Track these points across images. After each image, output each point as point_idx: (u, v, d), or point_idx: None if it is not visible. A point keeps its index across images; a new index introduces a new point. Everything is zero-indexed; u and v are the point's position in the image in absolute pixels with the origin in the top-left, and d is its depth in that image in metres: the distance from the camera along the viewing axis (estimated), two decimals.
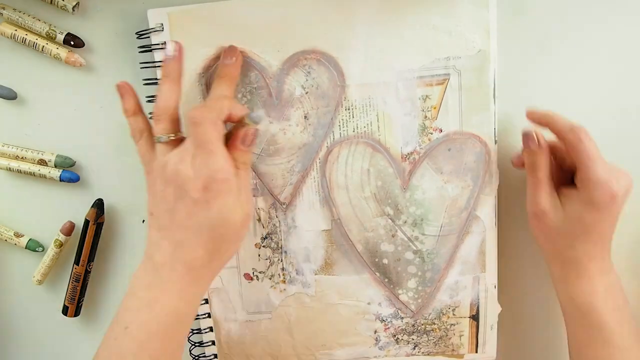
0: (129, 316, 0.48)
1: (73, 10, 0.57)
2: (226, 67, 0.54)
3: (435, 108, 0.57)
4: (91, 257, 0.63)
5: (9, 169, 0.62)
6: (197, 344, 0.65)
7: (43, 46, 0.58)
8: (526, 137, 0.53)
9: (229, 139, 0.50)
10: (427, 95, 0.57)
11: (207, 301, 0.63)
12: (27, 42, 0.58)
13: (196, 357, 0.65)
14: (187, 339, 0.64)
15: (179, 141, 0.50)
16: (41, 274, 0.64)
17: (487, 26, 0.55)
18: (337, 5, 0.55)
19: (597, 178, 0.49)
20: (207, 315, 0.64)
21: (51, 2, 0.57)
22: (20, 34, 0.58)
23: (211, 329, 0.64)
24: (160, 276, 0.48)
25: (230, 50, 0.55)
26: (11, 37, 0.58)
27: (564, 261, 0.54)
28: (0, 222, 0.64)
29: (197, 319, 0.63)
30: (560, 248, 0.54)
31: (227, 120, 0.50)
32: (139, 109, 0.53)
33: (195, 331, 0.64)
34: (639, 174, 0.53)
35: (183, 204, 0.47)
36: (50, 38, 0.58)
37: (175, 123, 0.51)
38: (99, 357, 0.49)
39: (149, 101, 0.58)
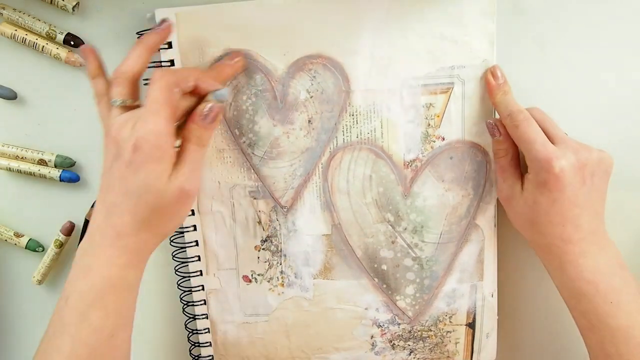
0: (69, 287, 0.45)
1: (73, 10, 0.55)
2: (224, 65, 0.52)
3: (438, 116, 0.54)
4: None
5: (9, 169, 0.59)
6: (196, 344, 0.61)
7: (43, 46, 0.55)
8: (488, 125, 0.53)
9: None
10: (430, 104, 0.54)
11: (204, 302, 0.60)
12: (27, 42, 0.55)
13: (196, 357, 0.61)
14: (187, 339, 0.61)
15: (134, 107, 0.47)
16: (41, 274, 0.61)
17: (492, 36, 0.53)
18: (344, 11, 0.53)
19: (536, 158, 0.48)
20: (204, 316, 0.60)
21: (51, 2, 0.55)
22: (20, 34, 0.55)
23: (208, 330, 0.59)
24: (94, 240, 0.45)
25: (235, 54, 0.52)
26: (11, 37, 0.55)
27: (543, 249, 0.51)
28: (0, 222, 0.61)
29: (195, 319, 0.60)
30: (533, 235, 0.51)
31: (193, 92, 0.46)
32: (102, 72, 0.49)
33: (194, 331, 0.60)
34: (639, 173, 0.52)
35: (117, 165, 0.44)
36: (50, 38, 0.55)
37: (134, 89, 0.47)
38: (46, 334, 0.46)
39: None
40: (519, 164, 0.53)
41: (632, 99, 0.55)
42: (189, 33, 0.53)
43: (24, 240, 0.60)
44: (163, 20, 0.50)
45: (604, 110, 0.55)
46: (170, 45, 0.53)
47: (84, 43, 0.55)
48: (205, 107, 0.46)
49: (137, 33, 0.54)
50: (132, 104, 0.47)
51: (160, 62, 0.54)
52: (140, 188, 0.43)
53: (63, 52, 0.55)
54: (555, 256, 0.50)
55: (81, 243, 0.46)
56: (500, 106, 0.51)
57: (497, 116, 0.54)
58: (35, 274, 0.61)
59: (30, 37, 0.54)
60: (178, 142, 0.46)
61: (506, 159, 0.52)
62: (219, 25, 0.53)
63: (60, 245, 0.59)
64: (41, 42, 0.54)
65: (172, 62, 0.54)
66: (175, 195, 0.44)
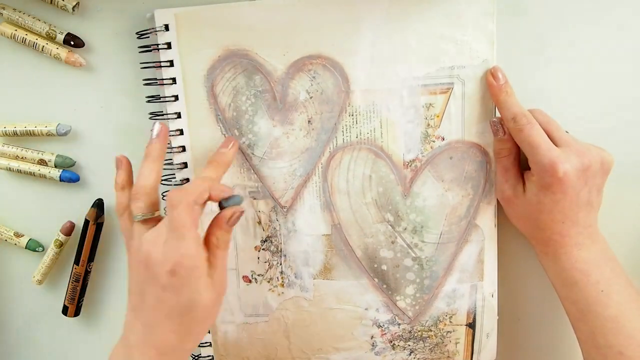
0: None
1: (73, 10, 0.53)
2: (220, 154, 0.51)
3: (438, 116, 0.53)
4: (91, 257, 0.59)
5: (9, 169, 0.58)
6: (199, 357, 0.60)
7: (43, 46, 0.54)
8: (492, 124, 0.52)
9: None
10: (430, 104, 0.53)
11: None
12: (27, 42, 0.54)
13: (196, 357, 0.60)
14: None
15: (156, 220, 0.47)
16: (41, 274, 0.60)
17: (492, 37, 0.52)
18: (344, 11, 0.52)
19: (541, 162, 0.47)
20: None
21: (51, 2, 0.54)
22: (20, 34, 0.54)
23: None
24: (132, 358, 0.45)
25: (228, 139, 0.52)
26: (11, 37, 0.54)
27: (539, 241, 0.51)
28: (0, 222, 0.60)
29: None
30: (532, 230, 0.52)
31: (209, 200, 0.47)
32: (128, 185, 0.50)
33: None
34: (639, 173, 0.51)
35: (152, 288, 0.44)
36: (50, 38, 0.54)
37: (153, 202, 0.47)
38: None
39: (148, 101, 0.54)
40: (520, 164, 0.52)
41: (632, 99, 0.54)
42: (188, 33, 0.52)
43: (24, 240, 0.59)
44: (154, 123, 0.49)
45: (604, 110, 0.54)
46: (169, 45, 0.52)
47: (84, 43, 0.53)
48: (229, 213, 0.47)
49: (138, 33, 0.53)
50: (153, 216, 0.46)
51: (160, 62, 0.52)
52: (185, 308, 0.44)
53: (63, 52, 0.53)
54: (551, 248, 0.50)
55: (114, 355, 0.46)
56: (503, 108, 0.50)
57: (498, 116, 0.53)
58: (35, 274, 0.59)
59: (30, 37, 0.53)
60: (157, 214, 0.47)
61: (508, 159, 0.51)
62: (218, 26, 0.52)
63: (60, 245, 0.58)
64: (41, 42, 0.53)
65: (171, 63, 0.52)
66: (216, 302, 0.46)
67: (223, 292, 0.47)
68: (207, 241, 0.46)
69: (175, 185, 0.55)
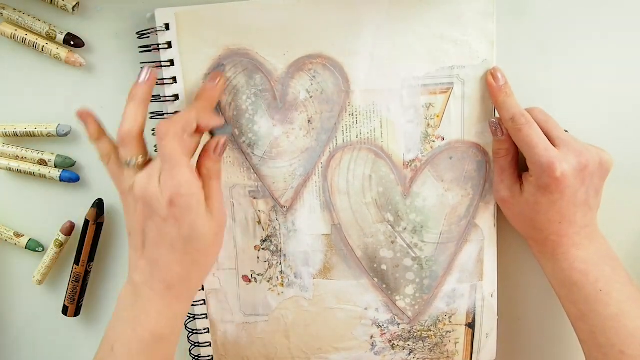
0: (113, 336, 0.45)
1: (73, 10, 0.53)
2: (208, 89, 0.50)
3: (438, 116, 0.52)
4: (91, 257, 0.58)
5: (9, 169, 0.57)
6: (196, 344, 0.59)
7: (43, 46, 0.53)
8: (491, 125, 0.51)
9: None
10: (430, 104, 0.52)
11: (204, 302, 0.58)
12: (27, 42, 0.53)
13: (196, 357, 0.59)
14: (187, 339, 0.59)
15: (147, 163, 0.46)
16: (41, 274, 0.59)
17: (492, 37, 0.51)
18: (344, 11, 0.51)
19: (539, 163, 0.47)
20: (204, 316, 0.58)
21: (51, 2, 0.53)
22: (20, 34, 0.53)
23: (208, 330, 0.57)
24: (140, 296, 0.45)
25: (215, 74, 0.51)
26: (11, 37, 0.53)
27: (537, 242, 0.51)
28: (0, 222, 0.59)
29: (195, 319, 0.58)
30: (529, 231, 0.51)
31: (197, 131, 0.46)
32: (103, 133, 0.48)
33: (194, 331, 0.58)
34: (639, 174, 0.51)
35: (153, 222, 0.44)
36: (50, 38, 0.53)
37: (141, 145, 0.46)
38: None
39: (152, 101, 0.53)
40: (517, 165, 0.52)
41: (632, 99, 0.53)
42: (189, 33, 0.51)
43: (24, 240, 0.58)
44: (143, 69, 0.48)
45: (604, 109, 0.53)
46: (170, 45, 0.51)
47: (84, 43, 0.53)
48: (214, 142, 0.47)
49: (138, 33, 0.52)
50: (145, 160, 0.46)
51: (160, 62, 0.52)
52: (187, 238, 0.44)
53: (63, 52, 0.53)
54: (549, 248, 0.49)
55: (123, 293, 0.46)
56: (502, 108, 0.50)
57: (497, 116, 0.52)
58: (35, 274, 0.58)
59: (30, 37, 0.52)
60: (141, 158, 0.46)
61: (506, 159, 0.51)
62: (218, 25, 0.51)
63: (60, 245, 0.57)
64: (41, 42, 0.52)
65: (172, 62, 0.51)
66: (218, 231, 0.46)
67: (224, 222, 0.48)
68: (199, 173, 0.46)
69: None
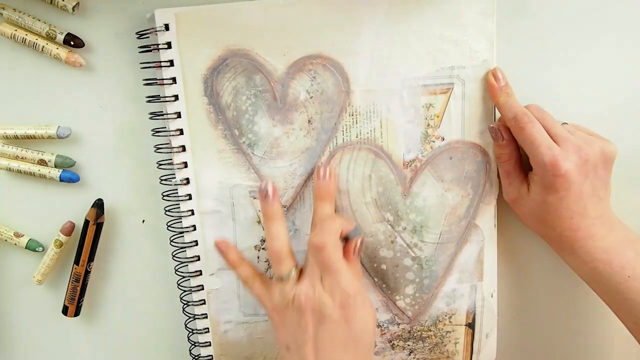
0: None
1: (73, 10, 0.51)
2: (322, 186, 0.50)
3: (438, 116, 0.51)
4: (91, 257, 0.56)
5: (9, 169, 0.55)
6: (196, 344, 0.58)
7: (43, 46, 0.52)
8: (491, 130, 0.50)
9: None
10: (430, 104, 0.51)
11: (204, 302, 0.56)
12: (27, 42, 0.52)
13: (196, 357, 0.57)
14: (187, 338, 0.58)
15: (300, 271, 0.49)
16: (41, 274, 0.57)
17: (492, 37, 0.50)
18: (344, 11, 0.49)
19: (542, 162, 0.46)
20: (204, 316, 0.56)
21: (51, 2, 0.51)
22: (20, 34, 0.51)
23: (208, 330, 0.56)
24: None
25: (324, 168, 0.51)
26: (11, 37, 0.52)
27: (553, 240, 0.50)
28: (0, 222, 0.57)
29: (194, 319, 0.57)
30: (543, 229, 0.50)
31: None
32: (242, 259, 0.52)
33: (195, 331, 0.57)
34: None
35: (325, 328, 0.45)
36: (50, 38, 0.51)
37: (294, 258, 0.49)
38: None
39: (149, 101, 0.52)
40: (522, 166, 0.50)
41: (632, 99, 0.52)
42: (189, 33, 0.49)
43: (24, 240, 0.56)
44: (262, 185, 0.49)
45: (604, 109, 0.52)
46: (169, 45, 0.50)
47: (84, 43, 0.51)
48: (353, 244, 0.48)
49: (137, 33, 0.50)
50: (299, 270, 0.48)
51: (160, 62, 0.50)
52: (359, 332, 0.45)
53: (63, 52, 0.51)
54: (567, 244, 0.48)
55: None
56: (503, 108, 0.48)
57: (498, 117, 0.51)
58: (35, 274, 0.57)
59: (30, 37, 0.51)
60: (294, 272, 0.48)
61: (510, 163, 0.50)
62: (218, 25, 0.49)
63: (60, 245, 0.55)
64: (41, 42, 0.51)
65: (171, 62, 0.50)
66: (375, 321, 0.48)
67: (375, 313, 0.49)
68: None
69: (175, 185, 0.53)
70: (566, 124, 0.49)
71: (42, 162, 0.54)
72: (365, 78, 0.51)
